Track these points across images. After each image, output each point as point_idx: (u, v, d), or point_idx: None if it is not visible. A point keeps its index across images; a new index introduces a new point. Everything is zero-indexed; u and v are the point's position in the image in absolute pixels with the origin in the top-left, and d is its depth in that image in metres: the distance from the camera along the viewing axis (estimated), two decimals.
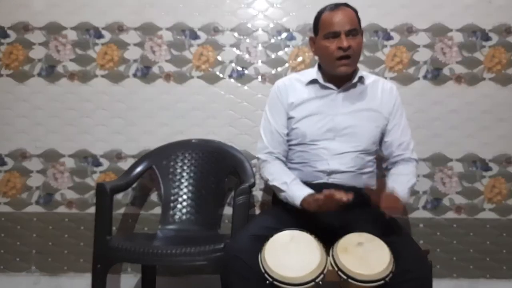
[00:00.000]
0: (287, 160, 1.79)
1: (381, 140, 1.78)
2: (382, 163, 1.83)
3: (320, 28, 1.68)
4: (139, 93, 2.27)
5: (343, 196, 1.42)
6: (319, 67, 1.77)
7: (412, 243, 1.53)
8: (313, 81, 1.75)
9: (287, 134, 1.77)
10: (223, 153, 2.16)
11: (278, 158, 1.76)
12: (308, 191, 1.58)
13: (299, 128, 1.72)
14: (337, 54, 1.63)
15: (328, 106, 1.71)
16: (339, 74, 1.68)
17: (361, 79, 1.74)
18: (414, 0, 2.25)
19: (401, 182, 1.63)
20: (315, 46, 1.73)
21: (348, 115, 1.70)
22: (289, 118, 1.75)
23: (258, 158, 1.80)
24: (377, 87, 1.77)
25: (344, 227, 1.54)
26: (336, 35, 1.63)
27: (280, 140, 1.76)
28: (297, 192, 1.60)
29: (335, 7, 1.66)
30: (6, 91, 2.28)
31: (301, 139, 1.72)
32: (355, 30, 1.64)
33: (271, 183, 1.70)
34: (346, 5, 1.68)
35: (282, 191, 1.65)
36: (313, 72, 1.76)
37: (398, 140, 1.74)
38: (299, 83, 1.78)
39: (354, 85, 1.74)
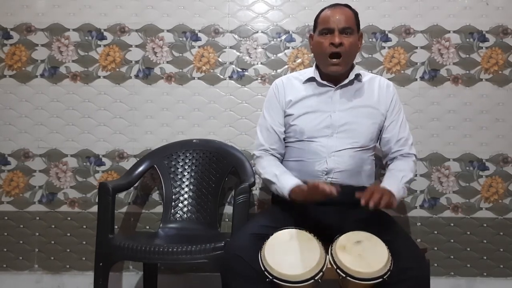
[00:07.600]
0: (284, 158, 1.80)
1: (379, 137, 1.79)
2: (381, 159, 1.84)
3: (318, 24, 1.72)
4: (141, 94, 2.29)
5: (327, 188, 1.40)
6: (317, 66, 1.79)
7: (410, 242, 1.53)
8: (311, 79, 1.77)
9: (285, 132, 1.78)
10: (224, 153, 2.18)
11: (272, 155, 1.77)
12: (296, 181, 1.59)
13: (297, 125, 1.73)
14: (329, 50, 1.65)
15: (326, 103, 1.73)
16: (330, 73, 1.70)
17: (358, 77, 1.76)
18: (411, 2, 2.27)
19: (396, 177, 1.64)
20: (312, 43, 1.76)
21: (346, 112, 1.71)
22: (287, 115, 1.76)
23: (253, 155, 1.82)
24: (374, 84, 1.78)
25: (342, 226, 1.55)
26: (330, 31, 1.66)
27: (276, 138, 1.77)
28: (285, 183, 1.60)
29: (335, 5, 1.71)
30: (9, 92, 2.30)
31: (299, 136, 1.73)
32: (350, 29, 1.66)
33: (263, 176, 1.72)
34: (346, 6, 1.72)
35: (272, 183, 1.66)
36: (311, 71, 1.78)
37: (396, 136, 1.75)
38: (297, 81, 1.80)
39: (351, 82, 1.75)
